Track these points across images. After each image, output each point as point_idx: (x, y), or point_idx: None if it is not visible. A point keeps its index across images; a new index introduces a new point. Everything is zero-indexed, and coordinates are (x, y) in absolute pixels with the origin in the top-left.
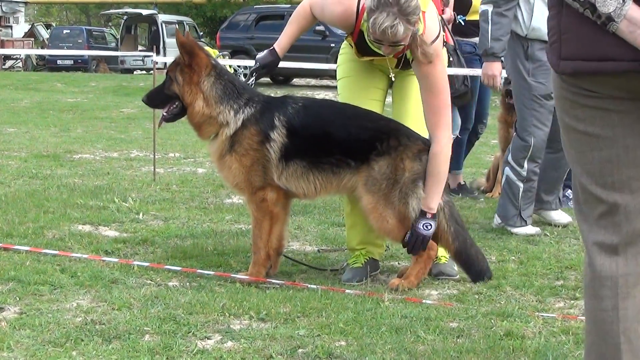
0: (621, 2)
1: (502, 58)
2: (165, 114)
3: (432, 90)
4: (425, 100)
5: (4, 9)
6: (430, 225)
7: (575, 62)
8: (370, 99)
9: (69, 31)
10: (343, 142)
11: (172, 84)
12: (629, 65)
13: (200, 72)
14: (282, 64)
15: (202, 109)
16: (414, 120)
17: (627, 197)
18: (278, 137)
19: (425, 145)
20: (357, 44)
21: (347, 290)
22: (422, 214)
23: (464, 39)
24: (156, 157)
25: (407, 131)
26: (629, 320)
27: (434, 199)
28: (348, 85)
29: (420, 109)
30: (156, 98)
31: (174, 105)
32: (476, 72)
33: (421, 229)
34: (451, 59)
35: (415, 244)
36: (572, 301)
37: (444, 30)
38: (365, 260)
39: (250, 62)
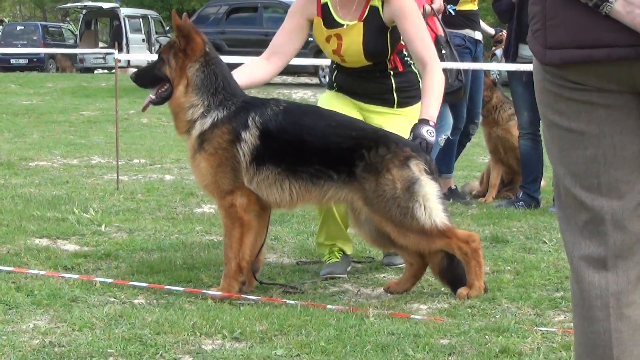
0: None
1: (498, 51)
2: (153, 96)
3: (407, 18)
4: (406, 36)
5: None
6: (433, 132)
7: (563, 50)
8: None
9: (22, 27)
10: (322, 151)
11: (164, 65)
12: (622, 51)
13: (192, 57)
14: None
15: (181, 96)
16: None
17: (615, 202)
18: (250, 138)
19: (412, 151)
20: (323, 18)
21: (328, 306)
22: (424, 121)
23: (453, 31)
24: (119, 163)
25: (396, 138)
26: (624, 343)
27: (433, 108)
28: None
29: None
30: (145, 77)
31: (164, 88)
32: (469, 65)
33: (424, 134)
34: (443, 51)
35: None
36: None
37: (432, 21)
38: (341, 255)
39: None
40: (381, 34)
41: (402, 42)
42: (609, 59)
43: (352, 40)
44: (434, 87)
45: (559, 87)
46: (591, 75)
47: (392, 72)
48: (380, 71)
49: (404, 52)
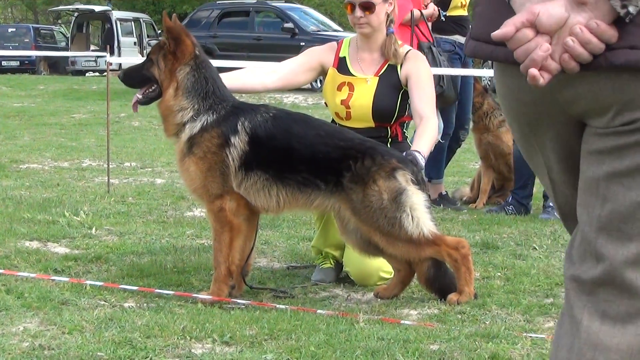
0: None
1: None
2: (140, 96)
3: (420, 78)
4: (413, 92)
5: None
6: (424, 160)
7: (476, 42)
8: None
9: (14, 29)
10: (310, 160)
11: (153, 67)
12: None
13: (182, 60)
14: (245, 64)
15: (171, 98)
16: None
17: (573, 224)
18: (239, 143)
19: (399, 162)
20: (338, 68)
21: (318, 311)
22: (416, 151)
23: (443, 36)
24: (110, 166)
25: (383, 149)
26: None
27: (424, 145)
28: None
29: None
30: (134, 77)
31: (151, 89)
32: (453, 71)
33: (416, 155)
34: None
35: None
36: None
37: (423, 26)
38: (335, 262)
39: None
40: (394, 92)
41: (408, 114)
42: (507, 61)
43: (364, 92)
44: (426, 132)
45: (506, 110)
46: (518, 84)
47: (390, 140)
48: (380, 137)
49: (405, 125)
